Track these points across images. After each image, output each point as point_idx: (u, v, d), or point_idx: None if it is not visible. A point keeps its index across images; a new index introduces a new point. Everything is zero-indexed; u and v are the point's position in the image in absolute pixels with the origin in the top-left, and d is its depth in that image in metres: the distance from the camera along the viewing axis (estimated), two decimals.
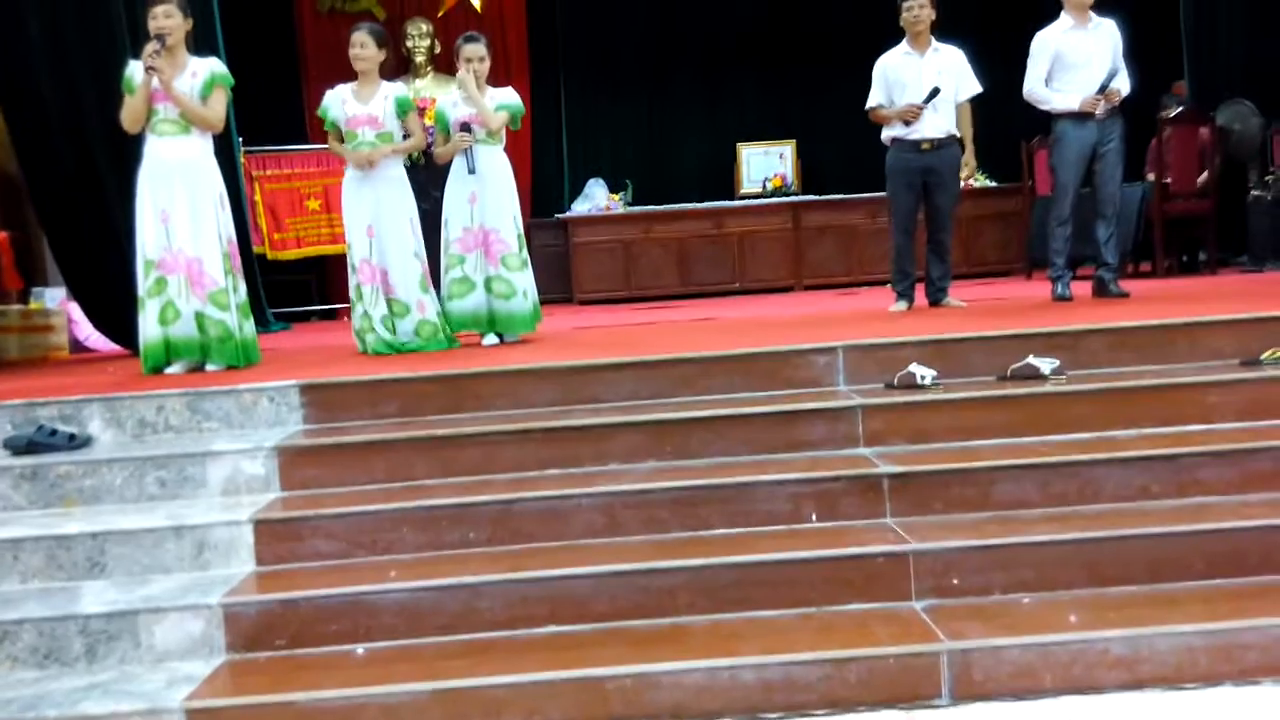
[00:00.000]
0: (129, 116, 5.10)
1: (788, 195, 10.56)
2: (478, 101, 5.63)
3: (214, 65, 5.23)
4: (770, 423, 4.03)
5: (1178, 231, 8.40)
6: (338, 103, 5.63)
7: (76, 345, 7.62)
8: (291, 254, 9.15)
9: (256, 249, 8.61)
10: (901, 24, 6.25)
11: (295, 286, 9.42)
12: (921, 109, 6.14)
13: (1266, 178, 8.25)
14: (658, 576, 3.42)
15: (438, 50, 9.68)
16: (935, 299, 6.46)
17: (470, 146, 5.62)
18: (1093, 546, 3.43)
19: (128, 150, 5.42)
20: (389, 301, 5.58)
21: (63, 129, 6.25)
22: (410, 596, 3.39)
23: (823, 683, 3.08)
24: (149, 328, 5.08)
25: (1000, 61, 9.10)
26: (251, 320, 5.36)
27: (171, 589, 3.49)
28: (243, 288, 5.29)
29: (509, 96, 5.80)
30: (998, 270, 10.01)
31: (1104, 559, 3.42)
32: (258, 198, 8.98)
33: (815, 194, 10.54)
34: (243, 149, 8.58)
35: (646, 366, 4.37)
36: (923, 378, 4.21)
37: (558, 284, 9.96)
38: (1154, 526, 3.49)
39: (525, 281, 5.75)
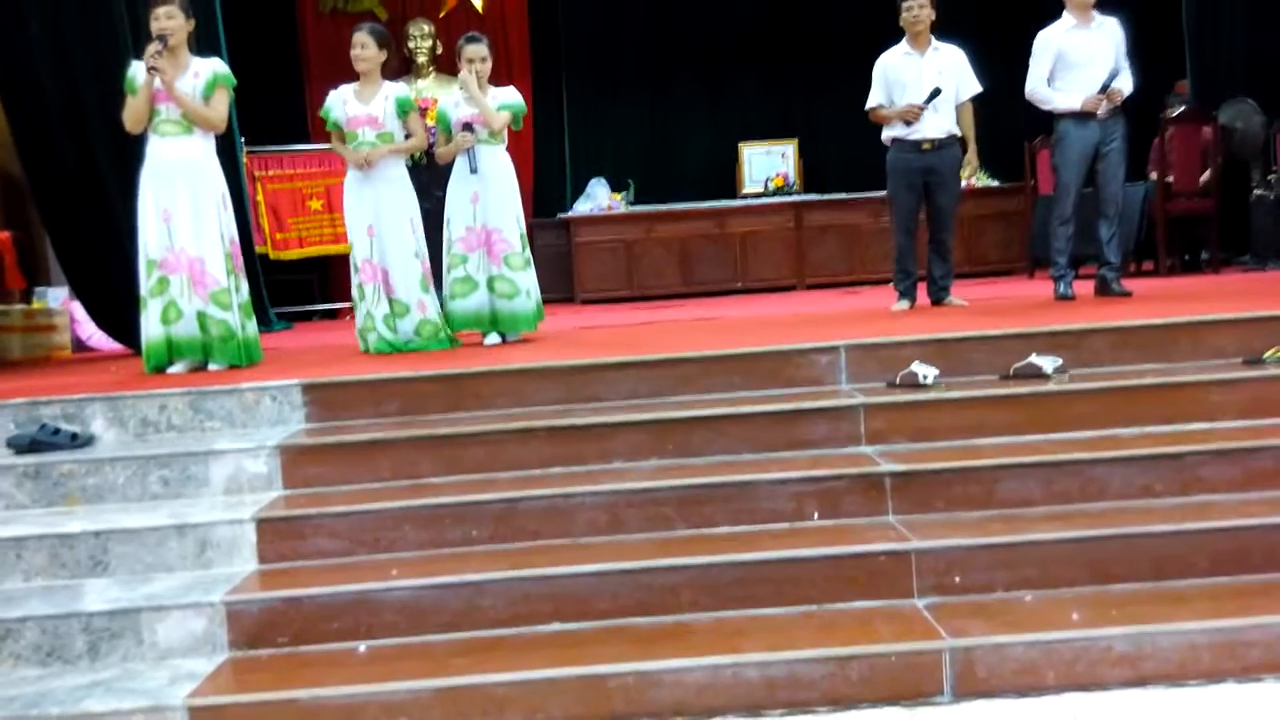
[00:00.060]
0: (131, 117, 5.10)
1: (790, 195, 10.56)
2: (480, 101, 5.63)
3: (216, 65, 5.24)
4: (772, 422, 4.04)
5: (1180, 230, 8.39)
6: (339, 103, 5.63)
7: (79, 345, 7.62)
8: (293, 254, 9.16)
9: (259, 249, 8.61)
10: (901, 24, 6.25)
11: (297, 286, 9.42)
12: (922, 109, 6.14)
13: (1269, 176, 8.24)
14: (660, 574, 3.42)
15: (440, 51, 9.66)
16: (937, 298, 6.46)
17: (472, 146, 5.62)
18: (1096, 545, 3.44)
19: (130, 150, 5.43)
20: (390, 301, 5.58)
21: (65, 129, 6.26)
22: (413, 594, 3.39)
23: (825, 680, 3.08)
24: (151, 327, 5.09)
25: (1002, 61, 9.09)
26: (254, 320, 5.37)
27: (174, 587, 3.50)
28: (245, 287, 5.30)
29: (511, 96, 5.80)
30: (1000, 269, 10.01)
31: (1107, 557, 3.42)
32: (260, 198, 8.99)
33: (817, 193, 10.53)
34: (245, 149, 8.59)
35: (649, 366, 4.37)
36: (925, 377, 4.21)
37: (560, 284, 9.96)
38: (1157, 525, 3.49)
39: (528, 281, 5.75)
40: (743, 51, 11.08)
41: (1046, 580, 3.40)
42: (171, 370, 5.06)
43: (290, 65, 10.49)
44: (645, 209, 10.40)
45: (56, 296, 7.63)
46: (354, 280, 5.66)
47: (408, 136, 5.67)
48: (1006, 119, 9.28)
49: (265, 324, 7.40)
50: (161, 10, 5.01)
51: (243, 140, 8.34)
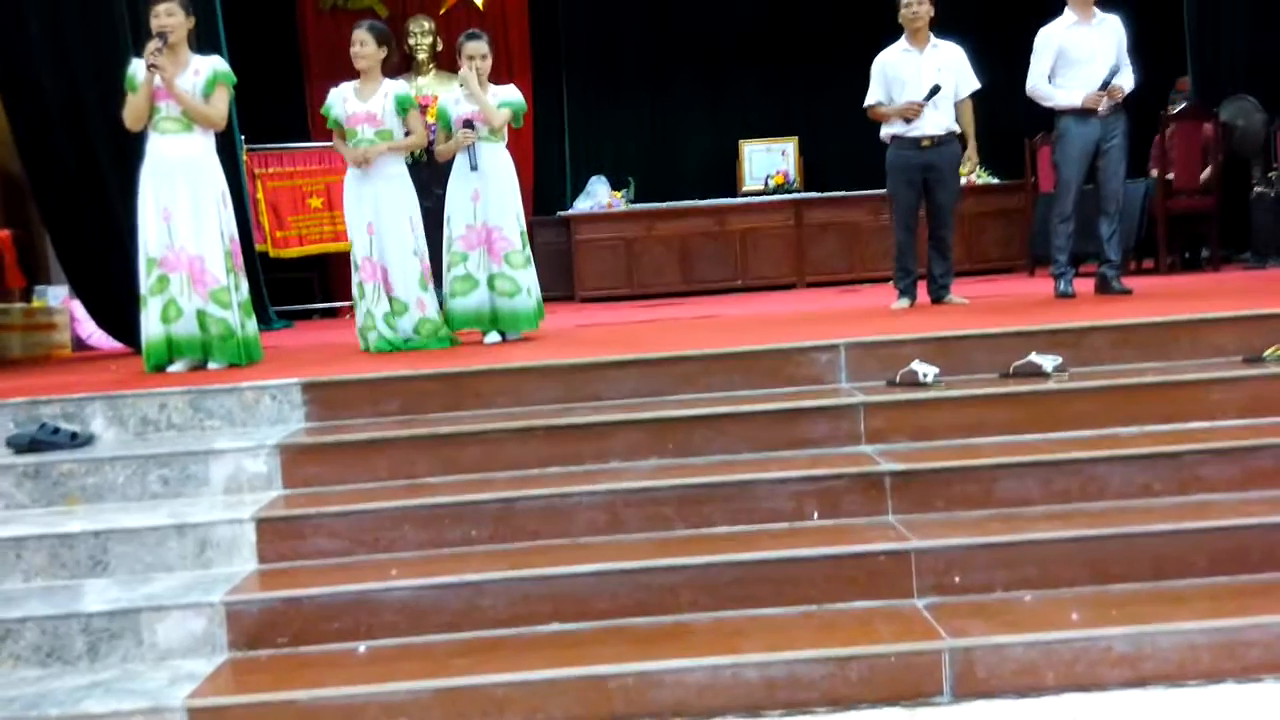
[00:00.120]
0: (131, 114, 5.10)
1: (790, 192, 10.55)
2: (480, 99, 5.63)
3: (216, 63, 5.23)
4: (772, 420, 4.03)
5: (1181, 228, 8.39)
6: (340, 101, 5.63)
7: (79, 343, 7.63)
8: (293, 252, 9.15)
9: (259, 247, 8.60)
10: (900, 20, 6.25)
11: (297, 284, 9.42)
12: (922, 106, 6.13)
13: (1270, 174, 8.24)
14: (660, 574, 3.42)
15: (440, 48, 9.67)
16: (937, 296, 6.45)
17: (473, 144, 5.62)
18: (1095, 544, 3.43)
19: (130, 148, 5.43)
20: (390, 299, 5.58)
21: (65, 127, 6.26)
22: (412, 595, 3.39)
23: (825, 680, 3.08)
24: (151, 326, 5.09)
25: (1003, 58, 9.09)
26: (253, 318, 5.37)
27: (174, 587, 3.50)
28: (244, 286, 5.30)
29: (511, 94, 5.79)
30: (1000, 267, 10.00)
31: (1107, 556, 3.42)
32: (260, 195, 8.98)
33: (817, 191, 10.52)
34: (245, 147, 8.59)
35: (648, 364, 4.37)
36: (925, 375, 4.21)
37: (560, 282, 9.96)
38: (1157, 524, 3.49)
39: (529, 279, 5.75)
40: (743, 49, 11.07)
41: (1046, 580, 3.40)
42: (171, 369, 5.06)
43: (290, 63, 10.49)
44: (645, 207, 10.40)
45: (56, 295, 7.64)
46: (354, 278, 5.66)
47: (408, 134, 5.67)
48: (1007, 116, 9.26)
49: (265, 322, 7.40)
50: (161, 8, 5.01)
51: (243, 138, 8.33)
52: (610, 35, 11.11)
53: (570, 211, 10.41)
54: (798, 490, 3.70)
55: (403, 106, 5.61)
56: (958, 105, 6.28)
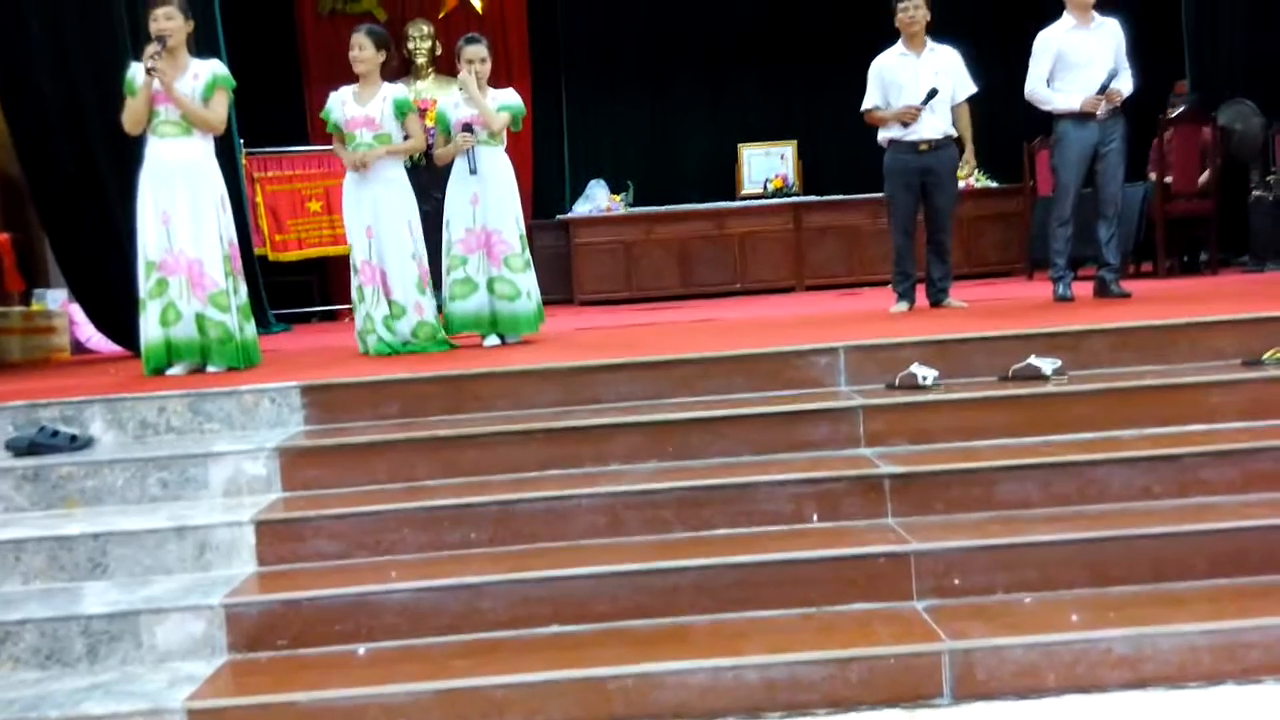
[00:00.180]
0: (130, 118, 5.10)
1: (789, 196, 10.57)
2: (479, 102, 5.63)
3: (215, 67, 5.24)
4: (772, 423, 4.03)
5: (1179, 232, 8.39)
6: (338, 105, 5.64)
7: (78, 347, 7.62)
8: (293, 255, 9.16)
9: (258, 250, 8.62)
10: (897, 24, 6.25)
11: (296, 288, 9.42)
12: (919, 110, 6.14)
13: (1268, 178, 8.24)
14: (660, 577, 3.42)
15: (439, 52, 9.69)
16: (936, 300, 6.46)
17: (472, 147, 5.62)
18: (1095, 546, 3.43)
19: (129, 152, 5.43)
20: (389, 303, 5.58)
21: (64, 130, 6.26)
22: (412, 597, 3.39)
23: (825, 682, 3.08)
24: (150, 329, 5.09)
25: (1001, 62, 9.12)
26: (252, 322, 5.37)
27: (173, 589, 3.50)
28: (243, 289, 5.30)
29: (510, 97, 5.80)
30: (999, 271, 10.01)
31: (1106, 559, 3.42)
32: (259, 199, 8.99)
33: (816, 194, 10.54)
34: (244, 151, 8.59)
35: (648, 367, 4.37)
36: (924, 378, 4.21)
37: (559, 285, 9.96)
38: (1156, 526, 3.49)
39: (528, 282, 5.75)
40: (742, 52, 11.09)
41: (1046, 582, 3.40)
42: (170, 372, 5.06)
43: (289, 67, 10.50)
44: (644, 210, 10.41)
45: (56, 298, 7.63)
46: (353, 282, 5.67)
47: (406, 138, 5.67)
48: (1005, 120, 9.28)
49: (264, 326, 7.41)
50: (160, 11, 5.01)
51: (242, 142, 8.34)
52: (609, 39, 11.12)
53: (569, 215, 10.42)
54: (797, 493, 3.70)
55: (401, 110, 5.61)
56: (955, 109, 6.29)
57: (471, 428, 4.09)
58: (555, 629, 3.37)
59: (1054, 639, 3.11)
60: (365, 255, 5.58)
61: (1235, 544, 3.43)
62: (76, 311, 7.34)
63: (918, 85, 6.16)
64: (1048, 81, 6.17)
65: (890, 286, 6.64)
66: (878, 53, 6.36)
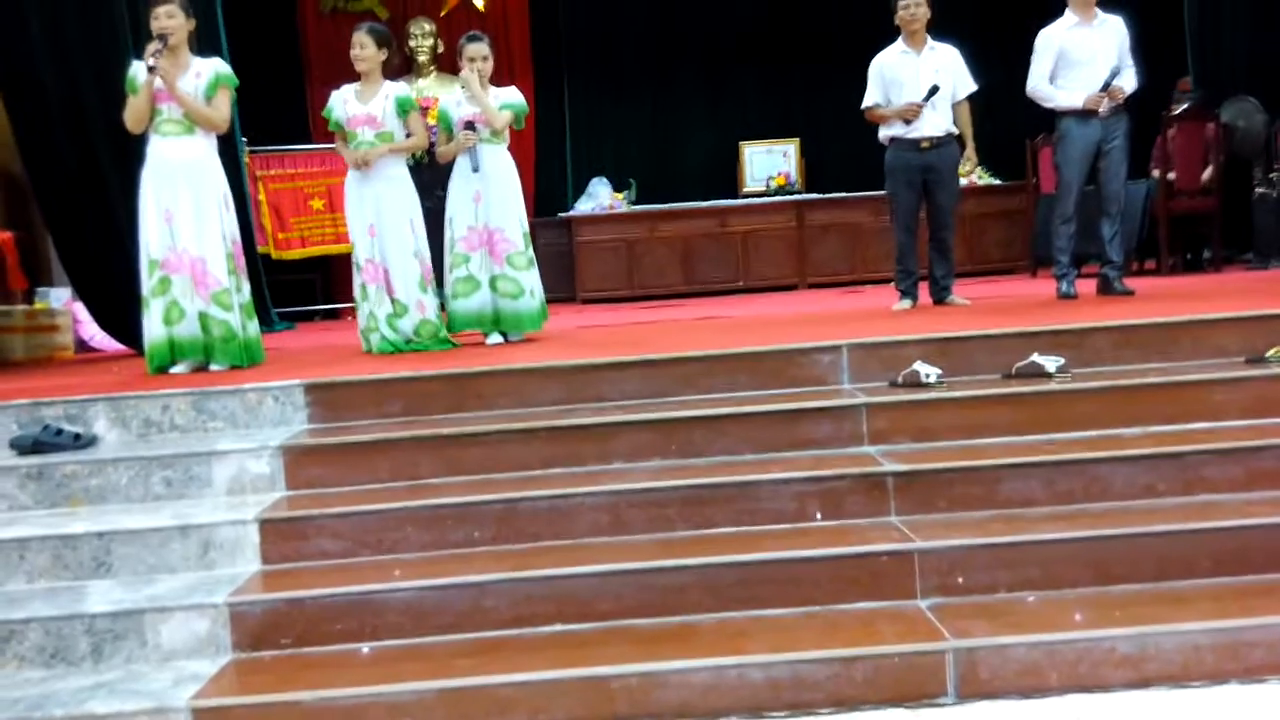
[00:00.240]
0: (132, 117, 5.10)
1: (791, 193, 10.56)
2: (481, 100, 5.63)
3: (218, 65, 5.24)
4: (775, 421, 4.03)
5: (1182, 229, 8.39)
6: (340, 103, 5.64)
7: (81, 345, 7.63)
8: (295, 253, 9.17)
9: (261, 249, 8.62)
10: (897, 22, 6.25)
11: (299, 286, 9.43)
12: (921, 107, 6.13)
13: (1271, 174, 8.23)
14: (663, 575, 3.42)
15: (441, 50, 9.66)
16: (939, 297, 6.46)
17: (474, 145, 5.62)
18: (1099, 545, 3.43)
19: (131, 150, 5.43)
20: (392, 301, 5.58)
21: (66, 129, 6.26)
22: (416, 595, 3.39)
23: (829, 681, 3.08)
24: (153, 328, 5.09)
25: (1004, 59, 9.11)
26: (255, 320, 5.37)
27: (177, 588, 3.50)
28: (246, 287, 5.30)
29: (513, 95, 5.80)
30: (1002, 268, 10.01)
31: (1110, 557, 3.42)
32: (262, 197, 8.99)
33: (819, 192, 10.53)
34: (247, 149, 8.59)
35: (651, 365, 4.37)
36: (927, 376, 4.21)
37: (561, 283, 9.95)
38: (1160, 525, 3.49)
39: (531, 280, 5.75)
40: (744, 50, 11.08)
41: (1049, 581, 3.40)
42: (174, 371, 5.07)
43: (291, 65, 10.50)
44: (647, 208, 10.40)
45: (59, 297, 7.64)
46: (356, 280, 5.67)
47: (408, 136, 5.67)
48: (1008, 117, 9.28)
49: (267, 324, 7.40)
50: (162, 9, 5.01)
51: (244, 140, 8.34)
52: (611, 36, 11.12)
53: (571, 213, 10.42)
54: (801, 491, 3.70)
55: (403, 108, 5.61)
56: (955, 107, 6.29)
57: (475, 426, 4.10)
58: (558, 628, 3.37)
59: (1057, 638, 3.11)
60: (368, 253, 5.58)
61: (1239, 542, 3.43)
62: (80, 310, 7.35)
63: (919, 83, 6.16)
64: (1050, 79, 6.16)
65: (893, 284, 6.64)
66: (879, 50, 6.36)
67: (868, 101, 6.35)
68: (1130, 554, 3.42)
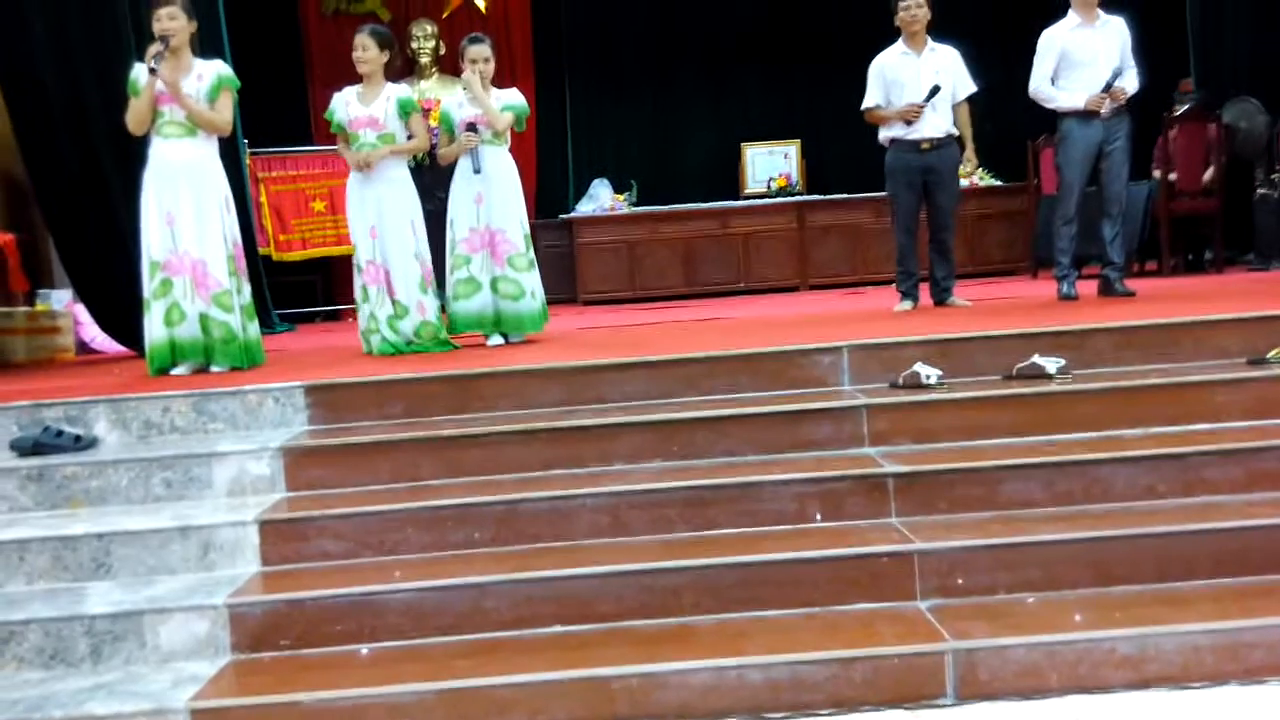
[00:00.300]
0: (134, 119, 5.10)
1: (792, 195, 10.57)
2: (483, 102, 5.63)
3: (220, 68, 5.24)
4: (775, 422, 4.03)
5: (1184, 230, 8.39)
6: (342, 105, 5.65)
7: (82, 347, 7.63)
8: (296, 255, 9.18)
9: (262, 250, 8.63)
10: (898, 23, 6.25)
11: (300, 288, 9.44)
12: (922, 108, 6.13)
13: (1273, 175, 8.23)
14: (663, 576, 3.42)
15: (443, 51, 9.69)
16: (940, 298, 6.45)
17: (476, 147, 5.62)
18: (1099, 546, 3.43)
19: (133, 152, 5.43)
20: (393, 302, 5.58)
21: (68, 130, 6.27)
22: (416, 596, 3.39)
23: (829, 682, 3.07)
24: (154, 329, 5.09)
25: (1005, 60, 9.10)
26: (256, 322, 5.37)
27: (177, 589, 3.50)
28: (247, 289, 5.30)
29: (514, 97, 5.80)
30: (1003, 269, 10.01)
31: (1110, 558, 3.41)
32: (263, 199, 9.01)
33: (820, 193, 10.55)
34: (248, 151, 8.60)
35: (651, 366, 4.37)
36: (928, 377, 4.21)
37: (562, 284, 9.96)
38: (1160, 526, 3.48)
39: (533, 282, 5.75)
40: (745, 51, 11.09)
41: (1049, 582, 3.39)
42: (175, 372, 5.07)
43: (293, 67, 10.51)
44: (648, 209, 10.41)
45: (60, 299, 7.64)
46: (357, 282, 5.67)
47: (410, 137, 5.67)
48: (1010, 118, 9.27)
49: (268, 326, 7.41)
50: (164, 11, 5.01)
51: (246, 142, 8.35)
52: (612, 38, 11.13)
53: (573, 214, 10.42)
54: (801, 492, 3.70)
55: (405, 110, 5.62)
56: (955, 108, 6.30)
57: (475, 427, 4.09)
58: (559, 629, 3.37)
59: (1057, 639, 3.10)
60: (369, 255, 5.58)
61: (1239, 543, 3.43)
62: (81, 312, 7.35)
63: (919, 84, 6.16)
64: (1052, 80, 6.16)
65: (894, 285, 6.64)
66: (880, 51, 6.36)
67: (868, 102, 6.35)
68: (1131, 555, 3.42)
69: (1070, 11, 6.17)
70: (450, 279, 5.75)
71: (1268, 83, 8.37)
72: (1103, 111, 6.04)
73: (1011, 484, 3.70)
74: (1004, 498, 3.69)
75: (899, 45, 6.29)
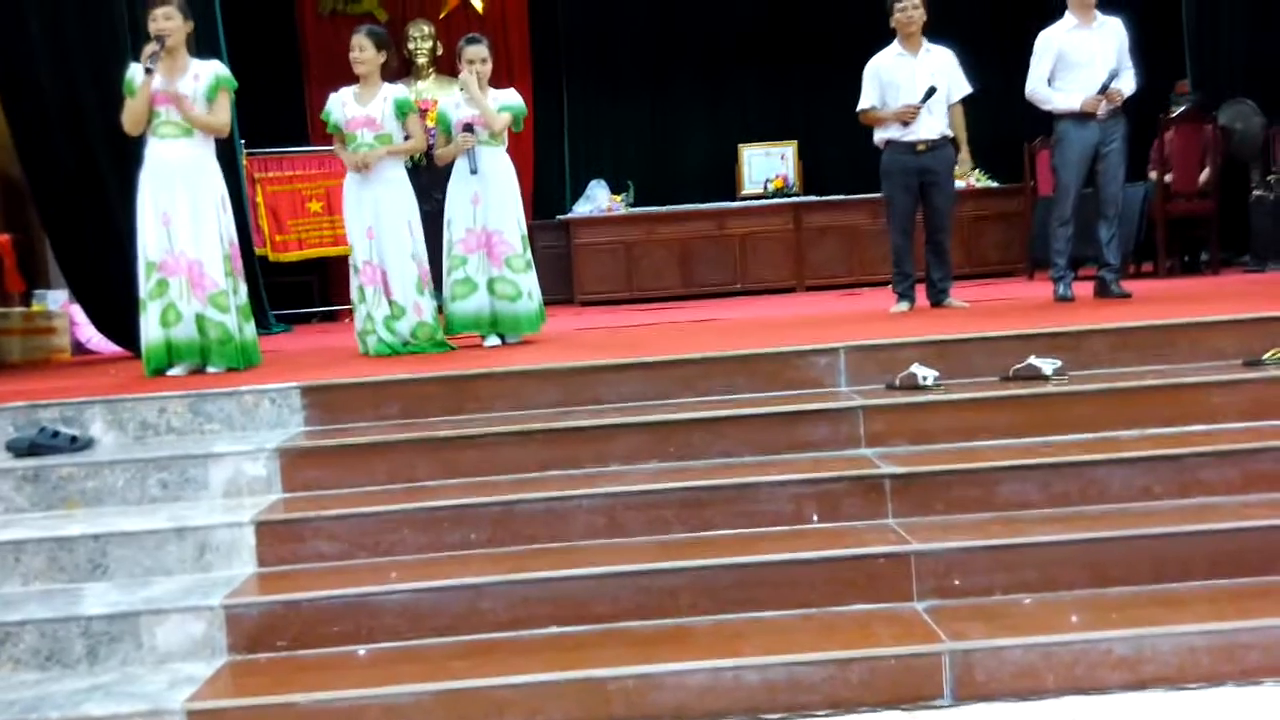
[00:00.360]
0: (130, 119, 5.10)
1: (789, 196, 10.56)
2: (480, 103, 5.63)
3: (217, 68, 5.23)
4: (772, 423, 4.03)
5: (1180, 232, 8.39)
6: (339, 105, 5.64)
7: (78, 347, 7.62)
8: (293, 256, 9.16)
9: (258, 251, 8.62)
10: (893, 25, 6.24)
11: (297, 288, 9.42)
12: (919, 109, 6.13)
13: (1268, 177, 8.24)
14: (660, 577, 3.42)
15: (440, 52, 9.68)
16: (937, 300, 6.45)
17: (473, 147, 5.62)
18: (1095, 547, 3.43)
19: (129, 152, 5.43)
20: (389, 303, 5.58)
21: (65, 130, 6.26)
22: (412, 597, 3.39)
23: (825, 683, 3.08)
24: (150, 330, 5.08)
25: (1002, 61, 9.11)
26: (252, 322, 5.36)
27: (173, 590, 3.50)
28: (243, 290, 5.29)
29: (511, 98, 5.80)
30: (999, 271, 10.00)
31: (1106, 559, 3.42)
32: (259, 200, 8.99)
33: (817, 195, 10.53)
34: (245, 151, 8.59)
35: (648, 367, 4.37)
36: (924, 378, 4.21)
37: (559, 285, 9.95)
38: (1156, 527, 3.49)
39: (530, 282, 5.75)
40: (742, 53, 11.09)
41: (1046, 583, 3.40)
42: (171, 373, 5.06)
43: (290, 67, 10.50)
44: (645, 210, 10.40)
45: (56, 299, 7.63)
46: (353, 282, 5.67)
47: (407, 138, 5.67)
48: (1006, 120, 9.27)
49: (264, 326, 7.40)
50: (159, 11, 5.00)
51: (242, 142, 8.33)
52: (610, 39, 11.12)
53: (569, 215, 10.42)
54: (798, 493, 3.70)
55: (402, 111, 5.61)
56: (949, 110, 6.29)
57: (472, 428, 4.09)
58: (555, 630, 3.37)
59: (1054, 640, 3.11)
60: (366, 255, 5.58)
61: (1235, 545, 3.43)
62: (77, 312, 7.34)
63: (915, 85, 6.16)
64: (1049, 81, 6.16)
65: (890, 287, 6.64)
66: (878, 52, 6.36)
67: (864, 104, 6.35)
68: (1127, 556, 3.42)
69: (1067, 13, 6.17)
70: (447, 280, 5.75)
71: (1263, 84, 8.38)
72: (1099, 113, 6.04)
73: (1008, 485, 3.70)
74: (1001, 499, 3.69)
75: (894, 46, 6.29)
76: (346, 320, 8.37)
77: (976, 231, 10.05)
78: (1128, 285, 6.35)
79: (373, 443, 4.01)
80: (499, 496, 3.74)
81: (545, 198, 10.89)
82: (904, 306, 6.40)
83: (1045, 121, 6.47)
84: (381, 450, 3.99)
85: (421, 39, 9.69)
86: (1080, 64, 6.08)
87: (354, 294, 5.67)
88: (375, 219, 5.57)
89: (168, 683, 3.19)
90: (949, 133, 6.28)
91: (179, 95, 5.02)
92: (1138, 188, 8.14)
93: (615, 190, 10.56)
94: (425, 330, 5.61)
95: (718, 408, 4.15)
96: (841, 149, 10.40)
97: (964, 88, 6.31)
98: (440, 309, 5.88)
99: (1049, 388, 4.14)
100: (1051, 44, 6.14)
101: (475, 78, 5.64)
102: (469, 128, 5.63)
